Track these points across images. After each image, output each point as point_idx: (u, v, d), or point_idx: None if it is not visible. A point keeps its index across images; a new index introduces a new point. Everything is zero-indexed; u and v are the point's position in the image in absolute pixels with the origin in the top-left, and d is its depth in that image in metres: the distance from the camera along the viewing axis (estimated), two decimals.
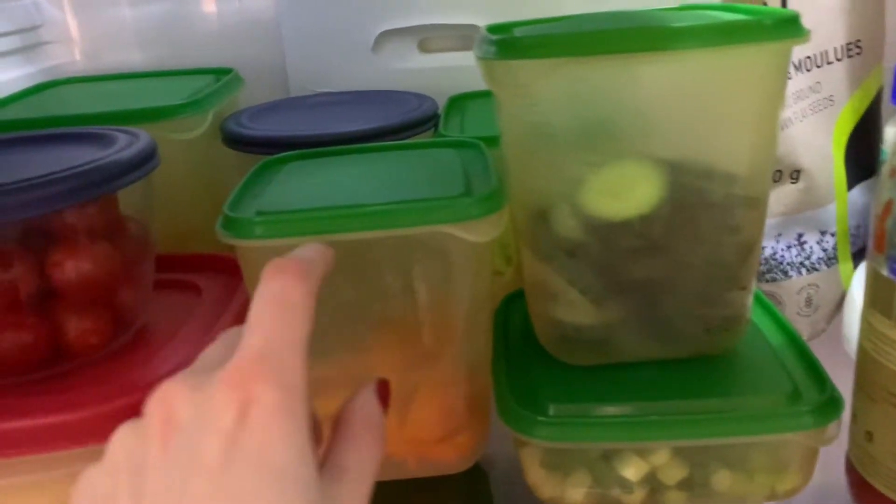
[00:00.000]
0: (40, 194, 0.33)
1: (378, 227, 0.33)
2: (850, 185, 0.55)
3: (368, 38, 0.62)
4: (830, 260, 0.55)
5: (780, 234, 0.55)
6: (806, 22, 0.33)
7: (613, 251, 0.36)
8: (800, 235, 0.54)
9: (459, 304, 0.37)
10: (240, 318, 0.40)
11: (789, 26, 0.32)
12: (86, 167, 0.35)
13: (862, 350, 0.35)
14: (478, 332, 0.38)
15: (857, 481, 0.36)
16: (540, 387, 0.38)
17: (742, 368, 0.38)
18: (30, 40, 0.63)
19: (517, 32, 0.39)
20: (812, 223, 0.54)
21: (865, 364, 0.35)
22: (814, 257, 0.55)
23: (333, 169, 0.42)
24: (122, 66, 0.66)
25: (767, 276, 0.55)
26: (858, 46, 0.51)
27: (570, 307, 0.37)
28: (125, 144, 0.38)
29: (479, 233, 0.34)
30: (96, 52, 0.66)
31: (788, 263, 0.55)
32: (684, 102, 0.34)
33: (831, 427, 0.35)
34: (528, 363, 0.40)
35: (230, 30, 0.65)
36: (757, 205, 0.36)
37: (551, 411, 0.37)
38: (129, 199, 0.39)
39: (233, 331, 0.28)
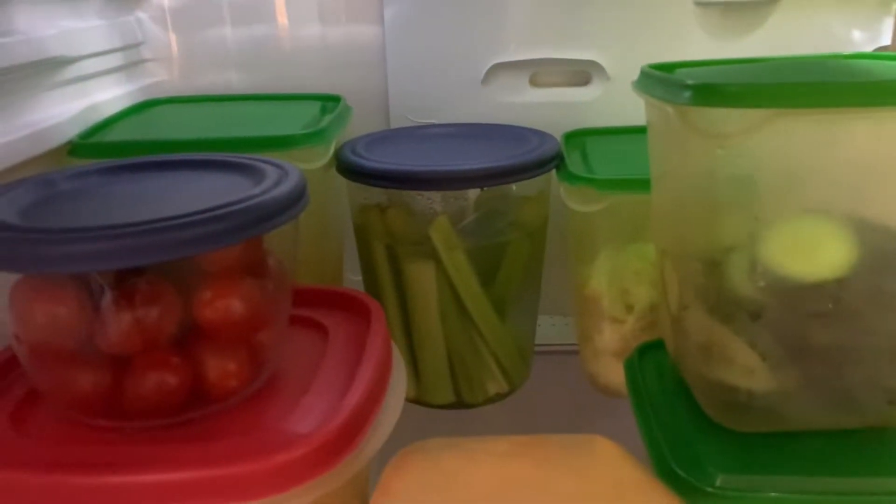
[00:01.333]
0: (198, 233, 0.31)
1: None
2: None
3: (479, 70, 0.60)
4: None
5: None
6: None
7: (798, 314, 0.33)
8: None
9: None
10: (378, 364, 0.38)
11: None
12: (243, 205, 0.32)
13: None
14: None
15: None
16: (703, 453, 0.35)
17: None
18: (131, 58, 0.62)
19: (685, 76, 0.37)
20: None
21: None
22: None
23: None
24: (217, 86, 0.65)
25: None
26: None
27: (747, 372, 0.34)
28: (277, 179, 0.36)
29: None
30: (194, 72, 0.64)
31: None
32: (885, 162, 0.32)
33: None
34: (679, 424, 0.38)
35: (332, 55, 0.63)
36: None
37: (719, 482, 0.34)
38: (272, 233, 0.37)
39: None
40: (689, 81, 0.31)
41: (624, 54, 0.57)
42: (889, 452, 0.35)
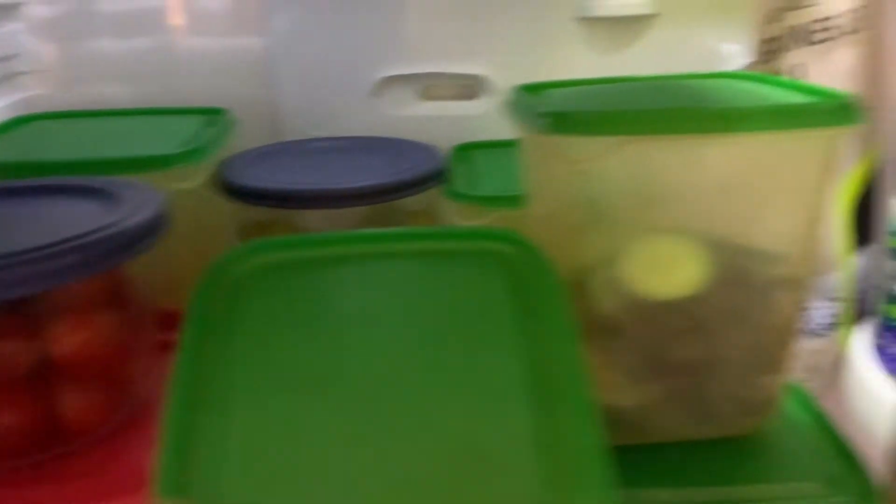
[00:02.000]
0: (46, 268, 0.30)
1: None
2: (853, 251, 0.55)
3: (369, 82, 0.59)
4: (833, 326, 0.55)
5: None
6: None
7: (657, 332, 0.34)
8: None
9: None
10: None
11: (849, 112, 0.32)
12: (97, 236, 0.31)
13: None
14: None
15: None
16: None
17: (778, 453, 0.37)
18: (5, 71, 0.59)
19: (553, 97, 0.37)
20: (816, 290, 0.54)
21: None
22: (815, 323, 0.55)
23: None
24: (100, 99, 0.62)
25: None
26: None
27: (611, 388, 0.35)
28: (135, 205, 0.35)
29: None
30: (73, 85, 0.62)
31: None
32: (735, 183, 0.33)
33: None
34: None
35: (218, 66, 0.62)
36: (799, 288, 0.35)
37: None
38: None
39: None
40: (543, 109, 0.32)
41: (511, 69, 0.58)
42: (744, 460, 0.36)
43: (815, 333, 0.54)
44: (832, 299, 0.54)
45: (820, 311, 0.54)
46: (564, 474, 0.27)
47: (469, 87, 0.60)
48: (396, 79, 0.59)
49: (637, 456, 0.37)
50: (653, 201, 0.33)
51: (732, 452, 0.37)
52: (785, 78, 0.38)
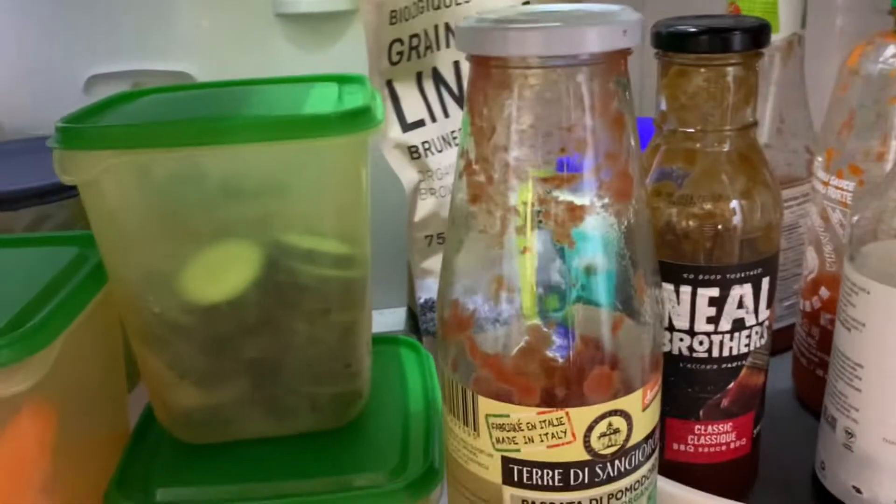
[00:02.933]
0: None
1: None
2: None
3: (79, 80, 0.59)
4: None
5: None
6: None
7: (210, 334, 0.36)
8: None
9: None
10: None
11: (358, 119, 0.33)
12: None
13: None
14: None
15: None
16: (154, 471, 0.37)
17: (358, 445, 0.38)
18: None
19: (129, 108, 0.38)
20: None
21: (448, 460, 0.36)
22: None
23: None
24: None
25: None
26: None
27: (176, 390, 0.37)
28: None
29: None
30: None
31: None
32: (256, 189, 0.34)
33: (429, 500, 0.36)
34: (153, 446, 0.39)
35: None
36: (351, 286, 0.36)
37: (158, 496, 0.36)
38: None
39: None
40: (59, 125, 0.32)
41: (215, 66, 0.58)
42: (321, 455, 0.38)
43: None
44: None
45: None
46: None
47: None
48: (106, 76, 0.59)
49: (218, 454, 0.38)
50: (175, 213, 0.34)
51: (316, 447, 0.38)
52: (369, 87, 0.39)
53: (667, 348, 0.36)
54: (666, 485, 0.37)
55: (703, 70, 0.34)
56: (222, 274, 0.35)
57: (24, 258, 0.38)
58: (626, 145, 0.27)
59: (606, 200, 0.27)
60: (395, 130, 0.48)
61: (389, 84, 0.48)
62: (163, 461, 0.38)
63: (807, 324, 0.46)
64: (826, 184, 0.43)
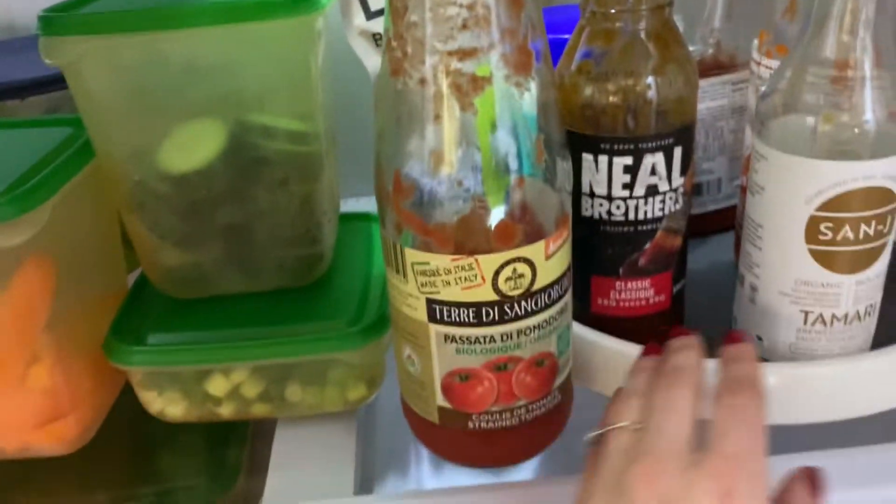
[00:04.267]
0: None
1: None
2: None
3: None
4: None
5: None
6: None
7: (184, 200, 0.41)
8: None
9: None
10: None
11: (302, 3, 0.36)
12: None
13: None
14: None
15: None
16: (146, 321, 0.43)
17: (322, 299, 0.44)
18: None
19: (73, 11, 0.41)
20: None
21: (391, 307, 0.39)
22: None
23: None
24: None
25: None
26: None
27: (158, 250, 0.42)
28: None
29: None
30: None
31: None
32: (214, 69, 0.38)
33: (377, 345, 0.42)
34: (147, 302, 0.45)
35: None
36: (307, 160, 0.41)
37: (150, 340, 0.42)
38: None
39: (684, 418, 0.31)
40: (42, 14, 0.36)
41: None
42: (287, 307, 0.44)
43: None
44: None
45: None
46: None
47: None
48: None
49: (201, 307, 0.44)
50: (149, 93, 0.38)
51: (284, 301, 0.44)
52: None
53: (588, 213, 0.41)
54: (584, 332, 0.41)
55: None
56: (191, 147, 0.39)
57: (23, 137, 0.43)
58: (525, 22, 0.31)
59: (506, 72, 0.31)
60: (359, 18, 0.51)
61: None
62: (154, 313, 0.44)
63: (744, 197, 0.50)
64: (759, 64, 0.45)
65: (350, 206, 0.57)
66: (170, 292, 0.44)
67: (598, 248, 0.41)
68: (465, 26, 0.30)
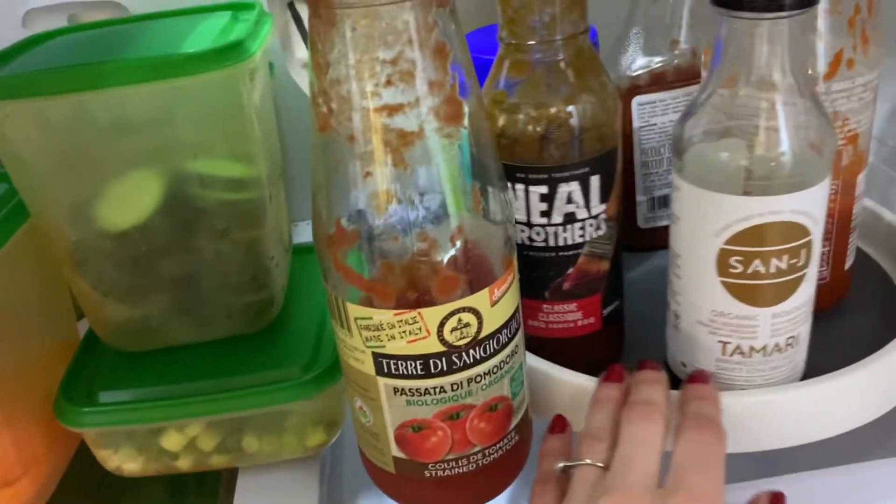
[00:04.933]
0: None
1: None
2: None
3: (17, 14, 0.61)
4: None
5: None
6: None
7: (126, 256, 0.40)
8: None
9: None
10: None
11: (228, 54, 0.36)
12: None
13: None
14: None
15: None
16: (97, 377, 0.42)
17: (275, 345, 0.43)
18: None
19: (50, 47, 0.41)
20: None
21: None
22: None
23: None
24: None
25: None
26: None
27: (103, 306, 0.41)
28: None
29: None
30: None
31: None
32: (144, 123, 0.37)
33: (332, 390, 0.41)
34: (97, 357, 0.44)
35: None
36: (247, 206, 0.40)
37: (101, 398, 0.41)
38: None
39: (652, 453, 0.32)
40: None
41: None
42: (240, 357, 0.43)
43: None
44: None
45: None
46: None
47: (116, 15, 0.62)
48: (44, 10, 0.61)
49: (153, 360, 0.43)
50: (81, 151, 0.37)
51: (236, 350, 0.43)
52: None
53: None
54: (539, 364, 0.41)
55: None
56: (128, 202, 0.38)
57: None
58: (451, 72, 0.30)
59: (436, 125, 0.30)
60: (301, 51, 0.50)
61: (291, 6, 0.50)
62: (105, 369, 0.43)
63: None
64: None
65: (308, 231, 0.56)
66: (119, 346, 0.43)
67: (523, 272, 0.41)
68: (389, 82, 0.29)
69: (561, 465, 0.34)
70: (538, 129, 0.37)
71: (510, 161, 0.38)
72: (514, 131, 0.37)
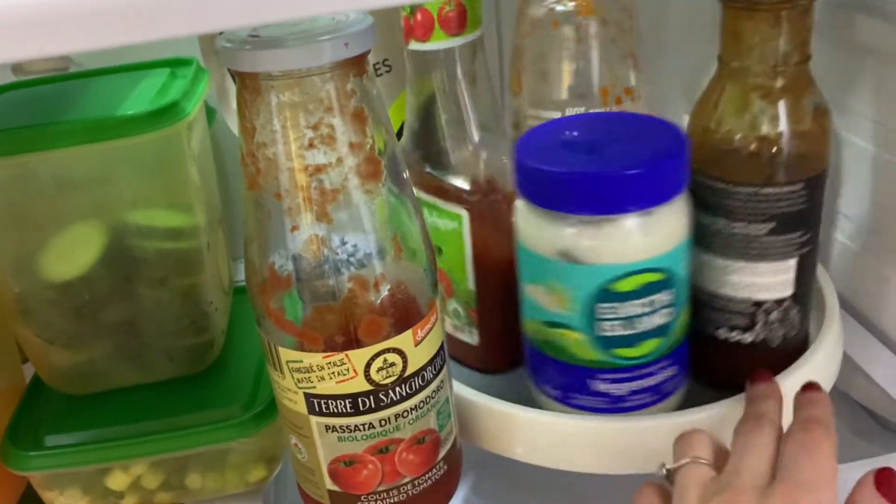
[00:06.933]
0: None
1: None
2: None
3: None
4: None
5: None
6: None
7: (69, 305, 0.41)
8: None
9: None
10: None
11: (164, 116, 0.38)
12: None
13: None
14: None
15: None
16: (43, 421, 0.44)
17: (217, 385, 0.45)
18: None
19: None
20: None
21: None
22: None
23: None
24: None
25: None
26: (387, 65, 0.57)
27: (48, 353, 0.43)
28: None
29: None
30: None
31: None
32: (84, 181, 0.39)
33: (271, 428, 0.43)
34: (43, 401, 0.46)
35: None
36: (185, 255, 0.42)
37: (47, 442, 0.43)
38: None
39: (763, 457, 0.33)
40: None
41: None
42: (182, 398, 0.44)
43: None
44: None
45: None
46: None
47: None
48: None
49: (98, 402, 0.45)
50: (24, 206, 0.39)
51: (178, 390, 0.45)
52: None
53: None
54: (466, 392, 0.43)
55: None
56: (70, 254, 0.40)
57: None
58: (370, 133, 0.33)
59: (357, 182, 0.33)
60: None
61: None
62: (51, 412, 0.44)
63: None
64: None
65: None
66: (64, 390, 0.44)
67: None
68: (312, 145, 0.32)
69: (670, 466, 0.35)
70: None
71: None
72: None
